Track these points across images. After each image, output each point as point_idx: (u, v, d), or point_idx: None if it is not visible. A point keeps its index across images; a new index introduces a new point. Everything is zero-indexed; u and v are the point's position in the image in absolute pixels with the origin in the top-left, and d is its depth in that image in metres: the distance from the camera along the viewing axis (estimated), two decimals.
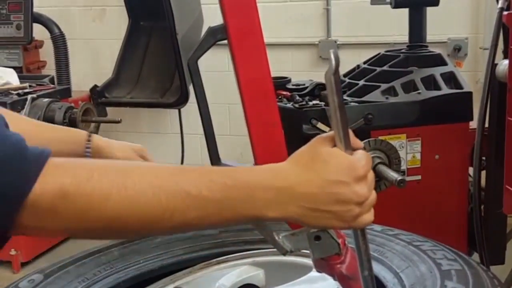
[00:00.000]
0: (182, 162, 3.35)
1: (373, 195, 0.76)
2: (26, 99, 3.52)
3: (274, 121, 0.88)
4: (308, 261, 1.07)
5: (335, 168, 0.74)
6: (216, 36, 0.88)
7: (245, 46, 0.85)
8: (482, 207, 1.98)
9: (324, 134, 0.77)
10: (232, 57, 0.86)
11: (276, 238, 0.87)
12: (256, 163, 0.87)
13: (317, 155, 0.75)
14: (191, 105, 2.90)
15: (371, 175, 0.76)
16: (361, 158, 0.76)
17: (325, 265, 0.89)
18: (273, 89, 0.88)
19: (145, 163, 0.81)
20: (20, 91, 3.61)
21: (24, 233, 0.71)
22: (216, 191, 0.73)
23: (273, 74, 2.33)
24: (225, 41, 0.95)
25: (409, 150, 2.02)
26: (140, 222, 0.73)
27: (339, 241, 0.86)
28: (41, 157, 0.69)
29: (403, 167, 2.01)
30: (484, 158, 1.98)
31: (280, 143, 0.88)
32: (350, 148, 0.77)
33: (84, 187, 0.70)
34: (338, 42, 3.26)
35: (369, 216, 0.77)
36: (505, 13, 1.53)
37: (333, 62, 0.73)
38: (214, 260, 1.17)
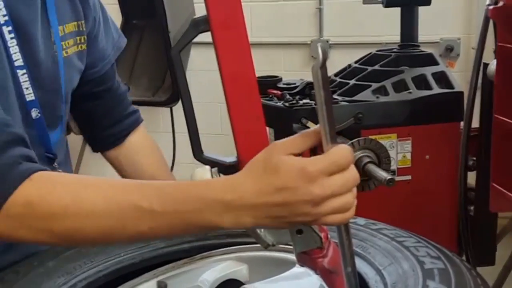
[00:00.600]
0: (173, 161, 3.34)
1: (338, 191, 0.75)
2: None
3: (257, 115, 0.87)
4: (292, 257, 1.06)
5: (284, 175, 0.74)
6: (199, 27, 0.87)
7: (227, 38, 0.84)
8: (473, 207, 1.98)
9: (278, 141, 0.77)
10: (215, 49, 0.85)
11: (258, 231, 0.87)
12: (238, 158, 0.86)
13: (269, 164, 0.76)
14: None
15: (334, 168, 0.75)
16: (322, 159, 0.74)
17: (307, 259, 0.88)
18: (256, 82, 0.87)
19: (108, 178, 0.84)
20: None
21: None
22: (166, 204, 0.78)
23: (265, 73, 2.36)
24: None
25: (399, 149, 2.02)
26: (96, 233, 0.81)
27: (321, 235, 0.86)
28: (25, 173, 0.83)
29: (393, 167, 2.00)
30: (474, 158, 1.97)
31: (263, 137, 0.87)
32: (336, 143, 0.76)
33: (46, 198, 0.81)
34: (330, 42, 3.26)
35: (338, 217, 0.76)
36: (490, 7, 1.52)
37: (320, 56, 0.73)
38: (198, 255, 1.15)
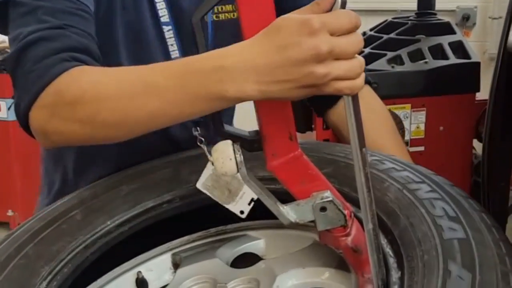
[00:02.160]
0: None
1: (343, 49, 0.71)
2: None
3: None
4: (310, 234, 1.04)
5: (285, 30, 0.71)
6: None
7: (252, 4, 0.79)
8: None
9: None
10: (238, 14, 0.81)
11: (280, 208, 0.84)
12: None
13: (271, 26, 0.72)
14: None
15: (336, 25, 0.71)
16: (326, 14, 0.72)
17: (330, 237, 0.86)
18: None
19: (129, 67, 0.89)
20: None
21: (39, 123, 0.91)
22: (170, 78, 0.78)
23: None
24: None
25: (413, 120, 1.98)
26: (112, 116, 0.83)
27: (345, 212, 0.84)
28: (66, 68, 0.90)
29: (407, 137, 1.97)
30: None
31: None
32: None
33: (71, 85, 0.87)
34: None
35: (347, 83, 0.72)
36: None
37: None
38: (213, 229, 1.14)
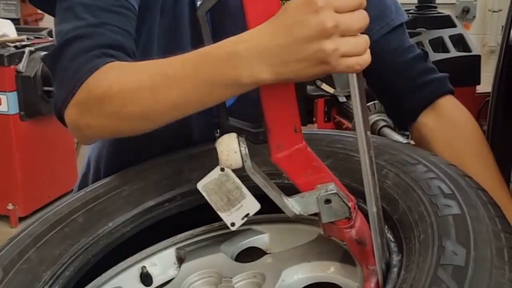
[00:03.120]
0: None
1: (348, 24, 0.73)
2: (23, 52, 3.46)
3: None
4: (314, 228, 1.04)
5: (291, 10, 0.73)
6: None
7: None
8: None
9: None
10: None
11: (285, 200, 0.84)
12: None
13: (280, 10, 0.75)
14: None
15: (341, 2, 0.73)
16: None
17: (334, 229, 0.86)
18: None
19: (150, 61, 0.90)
20: (17, 44, 3.55)
21: (73, 118, 0.94)
22: (187, 67, 0.82)
23: None
24: None
25: None
26: (137, 109, 0.86)
27: (350, 204, 0.83)
28: (98, 65, 0.92)
29: None
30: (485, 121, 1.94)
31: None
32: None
33: (98, 81, 0.90)
34: None
35: (355, 59, 0.74)
36: None
37: None
38: (217, 223, 1.13)
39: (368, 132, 0.79)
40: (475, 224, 0.78)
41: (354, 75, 0.77)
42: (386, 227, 0.88)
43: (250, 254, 1.09)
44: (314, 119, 2.27)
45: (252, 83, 0.78)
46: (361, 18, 0.75)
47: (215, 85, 0.80)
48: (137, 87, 0.86)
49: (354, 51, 0.74)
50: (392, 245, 0.86)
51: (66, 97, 0.94)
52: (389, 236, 0.87)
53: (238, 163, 0.83)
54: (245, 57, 0.76)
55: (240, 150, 0.82)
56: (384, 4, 1.23)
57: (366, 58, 0.75)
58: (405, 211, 0.87)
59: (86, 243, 1.00)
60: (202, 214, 1.11)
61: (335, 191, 0.82)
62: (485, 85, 1.99)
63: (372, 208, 0.81)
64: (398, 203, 0.89)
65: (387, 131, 1.84)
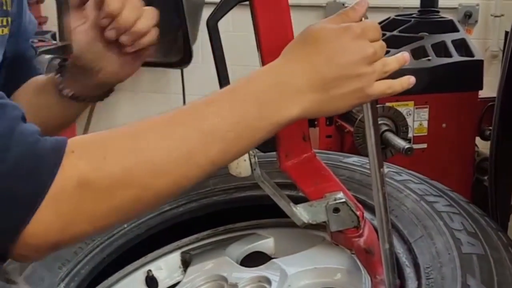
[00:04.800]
0: None
1: (381, 55, 0.74)
2: None
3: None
4: (319, 232, 1.04)
5: (325, 41, 0.72)
6: None
7: (268, 8, 0.80)
8: (486, 177, 1.96)
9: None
10: (254, 19, 0.82)
11: (294, 209, 0.85)
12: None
13: (303, 40, 0.74)
14: (193, 66, 2.85)
15: (371, 32, 0.74)
16: (359, 23, 0.74)
17: (342, 238, 0.86)
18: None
19: (151, 117, 0.70)
20: None
21: (46, 239, 0.62)
22: (227, 116, 0.68)
23: None
24: None
25: (416, 117, 1.99)
26: (166, 178, 0.66)
27: (358, 213, 0.84)
28: (57, 147, 0.63)
29: (410, 134, 1.98)
30: (490, 128, 1.95)
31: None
32: None
33: (102, 168, 0.64)
34: (346, 5, 3.19)
35: (387, 82, 0.74)
36: None
37: None
38: (222, 227, 1.14)
39: (382, 169, 0.78)
40: (499, 267, 0.79)
41: (369, 104, 0.78)
42: (402, 250, 0.88)
43: (255, 259, 1.10)
44: (315, 122, 2.27)
45: (299, 117, 0.72)
46: (384, 46, 0.76)
47: (260, 129, 0.70)
48: (167, 158, 0.67)
49: (386, 72, 0.74)
50: (408, 270, 0.86)
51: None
52: (404, 260, 0.87)
53: (247, 171, 0.83)
54: (290, 94, 0.70)
55: (250, 159, 0.83)
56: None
57: (398, 84, 0.76)
58: (425, 237, 0.87)
59: (101, 242, 1.02)
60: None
61: (343, 200, 0.83)
62: (488, 90, 1.99)
63: (385, 245, 0.80)
64: (416, 228, 0.89)
65: (389, 135, 1.85)
